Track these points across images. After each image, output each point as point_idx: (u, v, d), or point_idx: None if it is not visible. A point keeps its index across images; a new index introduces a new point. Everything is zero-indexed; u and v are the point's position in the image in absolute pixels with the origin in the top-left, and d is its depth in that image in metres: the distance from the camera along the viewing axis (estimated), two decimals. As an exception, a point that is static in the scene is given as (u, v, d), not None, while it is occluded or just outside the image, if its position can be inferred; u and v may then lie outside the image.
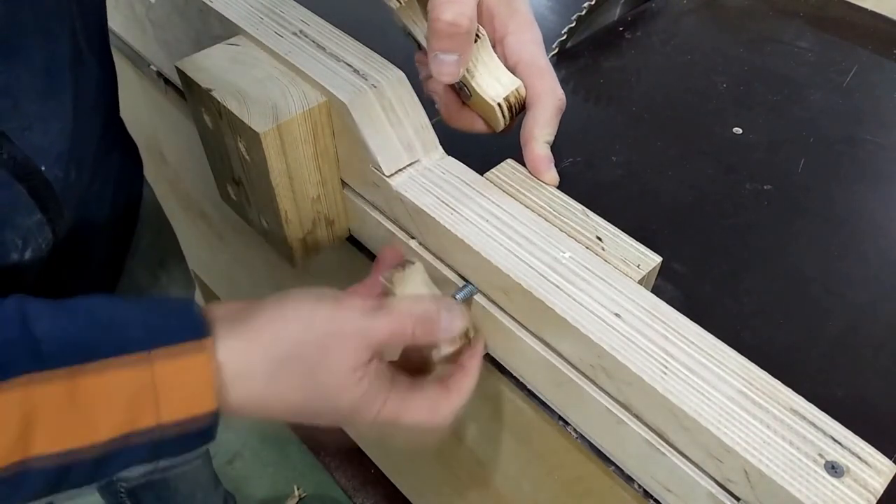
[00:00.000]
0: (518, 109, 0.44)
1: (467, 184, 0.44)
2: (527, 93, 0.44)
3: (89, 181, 0.45)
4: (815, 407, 0.34)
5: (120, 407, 0.30)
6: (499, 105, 0.43)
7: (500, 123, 0.44)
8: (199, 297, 1.29)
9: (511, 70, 0.44)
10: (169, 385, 0.31)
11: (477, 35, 0.42)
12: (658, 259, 0.40)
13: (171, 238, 0.70)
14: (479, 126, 0.46)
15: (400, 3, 0.43)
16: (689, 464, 0.36)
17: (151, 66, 0.68)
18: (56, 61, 0.39)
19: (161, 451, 0.32)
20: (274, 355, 0.35)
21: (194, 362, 0.32)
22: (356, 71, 0.45)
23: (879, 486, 0.31)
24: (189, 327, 0.33)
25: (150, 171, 0.93)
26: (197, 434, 0.33)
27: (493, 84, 0.43)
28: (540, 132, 0.44)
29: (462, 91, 0.45)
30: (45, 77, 0.38)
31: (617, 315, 0.37)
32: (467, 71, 0.43)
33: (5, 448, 0.28)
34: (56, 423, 0.29)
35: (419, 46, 0.46)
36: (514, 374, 0.45)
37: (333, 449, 1.26)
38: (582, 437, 0.42)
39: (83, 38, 0.42)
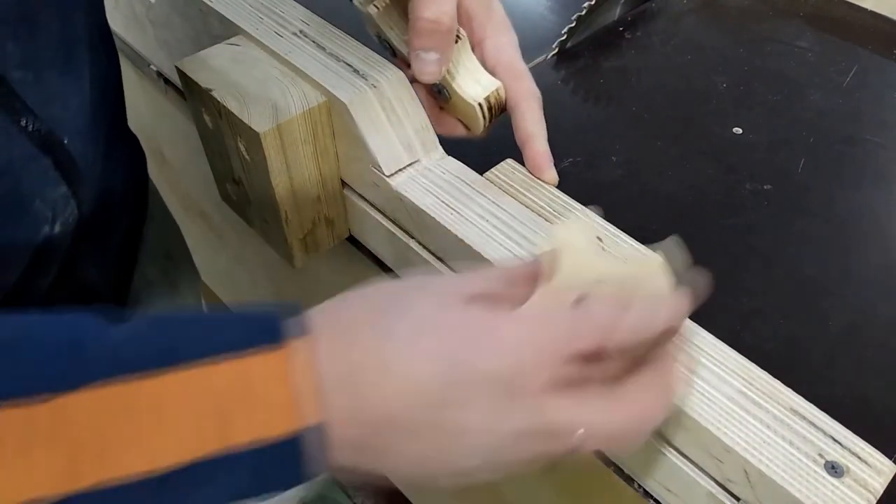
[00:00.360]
0: (498, 111, 0.45)
1: (467, 184, 0.44)
2: (508, 95, 0.44)
3: (103, 164, 0.45)
4: (815, 407, 0.34)
5: (207, 418, 0.26)
6: (479, 105, 0.43)
7: (480, 124, 0.44)
8: (199, 297, 1.29)
9: (489, 73, 0.45)
10: (264, 395, 0.26)
11: (457, 36, 0.42)
12: (658, 259, 0.40)
13: (175, 231, 0.70)
14: (459, 130, 0.46)
15: (378, 8, 0.44)
16: (689, 464, 0.36)
17: (151, 66, 0.68)
18: (74, 38, 0.40)
19: (258, 476, 0.26)
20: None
21: (292, 369, 0.27)
22: (356, 71, 0.45)
23: (879, 486, 0.31)
24: (285, 329, 0.28)
25: (150, 171, 0.93)
26: (295, 454, 0.26)
27: (473, 85, 0.44)
28: (535, 129, 0.44)
29: (441, 94, 0.45)
30: (64, 52, 0.39)
31: (617, 315, 0.37)
32: (447, 72, 0.43)
33: (62, 470, 0.24)
34: (135, 436, 0.25)
35: (394, 53, 0.46)
36: (514, 374, 0.45)
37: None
38: (582, 437, 0.42)
39: (95, 26, 0.43)
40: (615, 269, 0.33)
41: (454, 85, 0.43)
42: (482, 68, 0.44)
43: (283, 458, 0.26)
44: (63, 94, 0.39)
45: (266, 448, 0.26)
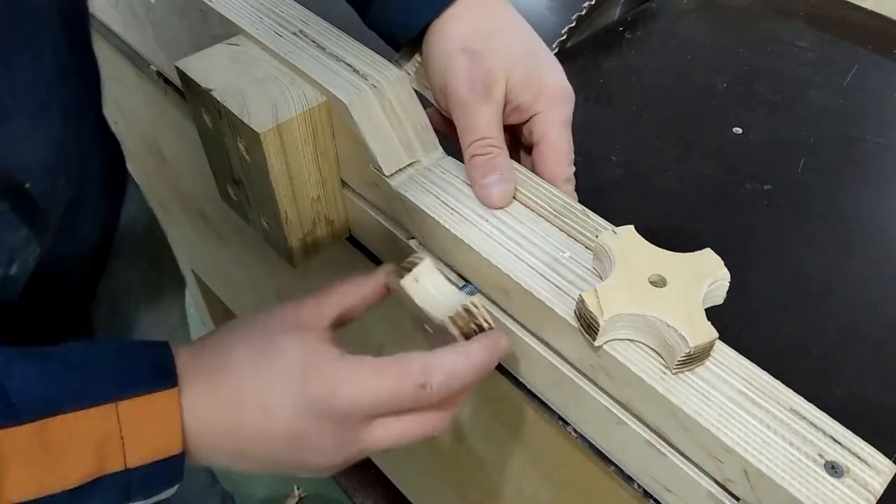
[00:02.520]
0: (475, 326, 0.39)
1: (467, 184, 0.44)
2: (544, 175, 0.44)
3: (74, 189, 0.45)
4: (815, 407, 0.34)
5: (88, 453, 0.32)
6: (450, 320, 0.38)
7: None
8: (198, 295, 1.29)
9: (534, 147, 0.45)
10: (135, 432, 0.33)
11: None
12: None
13: (160, 237, 0.69)
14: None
15: (410, 73, 0.46)
16: (689, 464, 0.36)
17: (151, 66, 0.68)
18: (41, 78, 0.39)
19: (131, 492, 0.34)
20: (236, 418, 0.35)
21: (160, 411, 0.33)
22: (356, 71, 0.45)
23: (879, 486, 0.31)
24: (156, 377, 0.34)
25: (150, 171, 0.93)
26: (164, 476, 0.34)
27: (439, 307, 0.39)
28: None
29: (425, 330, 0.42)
30: (32, 95, 0.38)
31: (617, 315, 0.37)
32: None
33: None
34: (27, 470, 0.31)
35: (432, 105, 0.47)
36: (514, 374, 0.45)
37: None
38: (582, 437, 0.42)
39: (67, 52, 0.42)
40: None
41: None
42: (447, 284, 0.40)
43: (152, 479, 0.34)
44: (29, 137, 0.38)
45: (139, 469, 0.33)
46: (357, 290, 0.41)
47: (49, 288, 0.47)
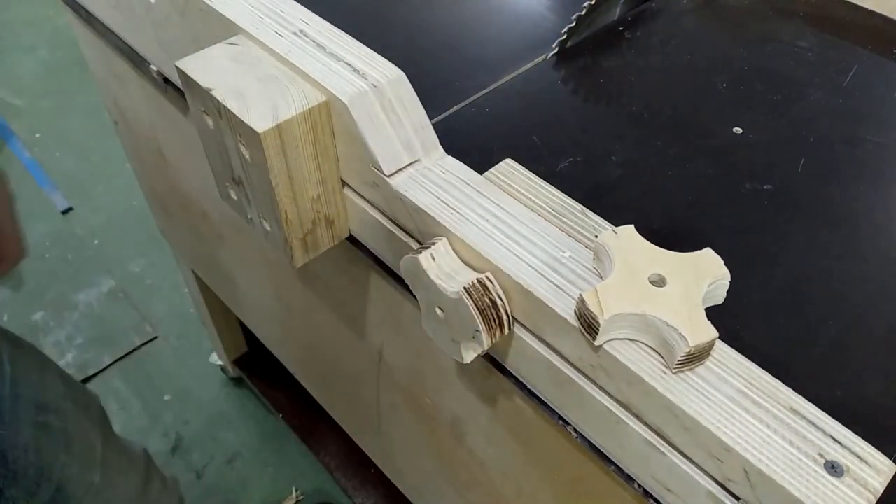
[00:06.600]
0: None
1: (467, 183, 0.44)
2: None
3: None
4: (815, 407, 0.34)
5: None
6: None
7: None
8: (198, 295, 1.29)
9: None
10: None
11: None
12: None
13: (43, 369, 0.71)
14: None
15: None
16: (689, 464, 0.36)
17: (151, 66, 0.68)
18: None
19: None
20: None
21: None
22: (356, 71, 0.45)
23: (879, 485, 0.31)
24: None
25: (150, 171, 0.93)
26: None
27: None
28: None
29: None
30: None
31: (617, 315, 0.37)
32: None
33: None
34: None
35: None
36: (514, 374, 0.45)
37: (333, 449, 1.26)
38: (582, 437, 0.42)
39: None
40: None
41: None
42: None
43: None
44: None
45: None
46: None
47: None
